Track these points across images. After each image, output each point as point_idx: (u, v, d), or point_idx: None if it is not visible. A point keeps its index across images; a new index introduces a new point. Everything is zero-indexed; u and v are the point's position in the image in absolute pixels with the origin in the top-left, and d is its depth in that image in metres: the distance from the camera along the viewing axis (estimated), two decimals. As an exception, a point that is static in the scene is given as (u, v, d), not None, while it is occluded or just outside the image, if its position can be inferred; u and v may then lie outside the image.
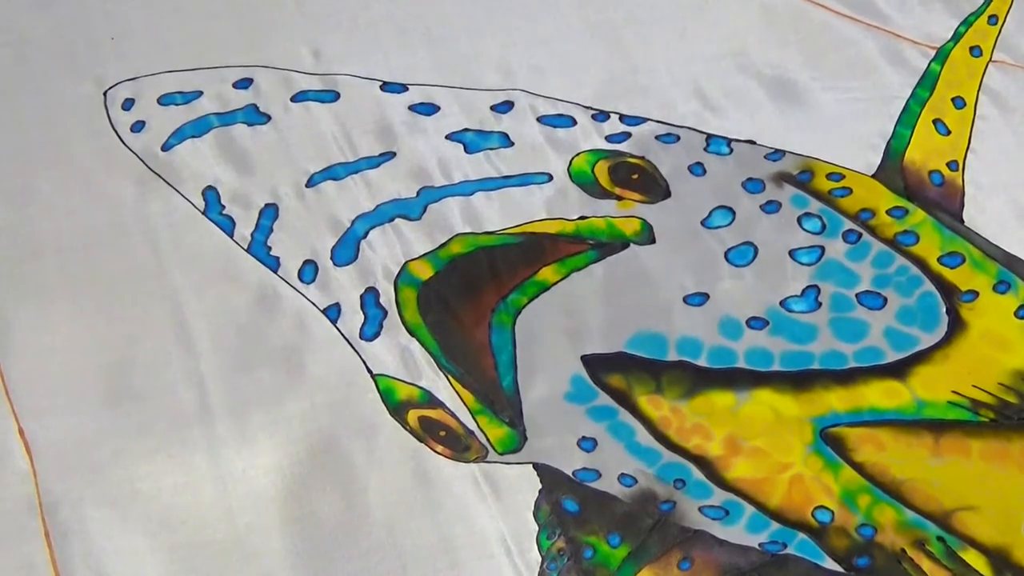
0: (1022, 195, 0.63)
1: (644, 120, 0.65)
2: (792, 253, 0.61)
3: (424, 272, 0.61)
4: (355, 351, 0.59)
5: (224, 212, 0.62)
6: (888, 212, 0.62)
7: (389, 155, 0.64)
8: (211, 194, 0.63)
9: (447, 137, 0.65)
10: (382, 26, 0.69)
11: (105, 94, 0.66)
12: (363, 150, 0.64)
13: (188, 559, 0.54)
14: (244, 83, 0.66)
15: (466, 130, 0.65)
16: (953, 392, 0.58)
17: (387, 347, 0.59)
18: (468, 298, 0.60)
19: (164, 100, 0.66)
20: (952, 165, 0.64)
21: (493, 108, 0.66)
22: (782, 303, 0.60)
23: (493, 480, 0.55)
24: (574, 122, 0.65)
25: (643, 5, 0.70)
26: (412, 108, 0.65)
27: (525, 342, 0.59)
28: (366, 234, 0.62)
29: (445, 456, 0.56)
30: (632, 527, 0.54)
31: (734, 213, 0.62)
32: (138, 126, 0.65)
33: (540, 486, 0.55)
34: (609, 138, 0.65)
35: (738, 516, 0.55)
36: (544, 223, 0.62)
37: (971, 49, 0.68)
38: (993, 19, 0.69)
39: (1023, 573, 0.54)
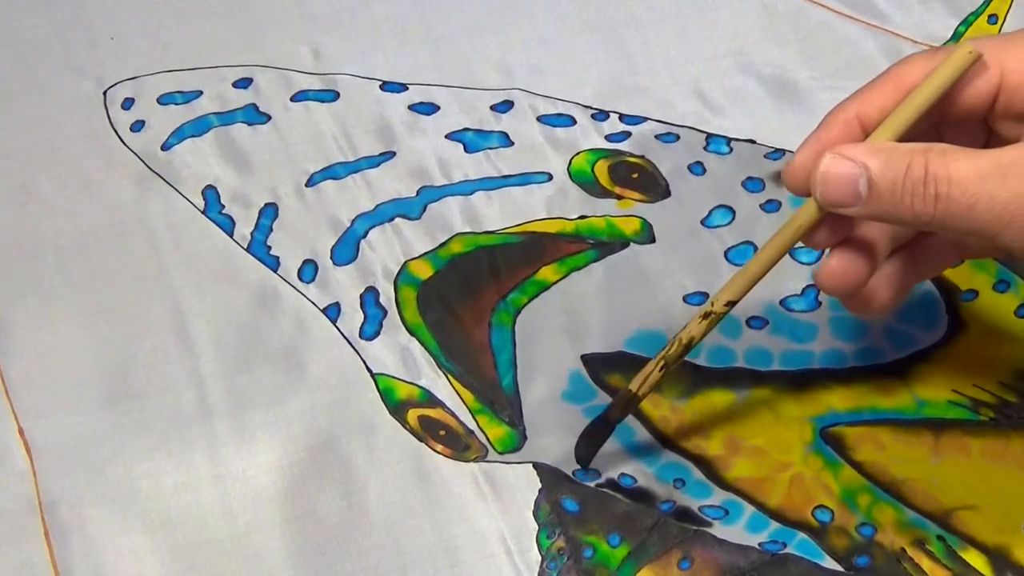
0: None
1: (644, 119, 0.65)
2: (792, 252, 0.61)
3: (424, 271, 0.61)
4: (355, 350, 0.59)
5: (224, 211, 0.63)
6: (888, 211, 0.61)
7: (389, 154, 0.64)
8: (211, 193, 0.63)
9: (447, 136, 0.65)
10: (382, 26, 0.69)
11: (105, 94, 0.66)
12: (363, 150, 0.64)
13: (188, 559, 0.54)
14: (244, 83, 0.66)
15: (466, 129, 0.65)
16: (953, 391, 0.58)
17: (387, 346, 0.59)
18: (468, 297, 0.60)
19: (164, 100, 0.66)
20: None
21: (493, 108, 0.66)
22: (782, 302, 0.60)
23: (493, 479, 0.55)
24: (574, 121, 0.65)
25: (643, 5, 0.70)
26: (412, 108, 0.66)
27: (525, 341, 0.59)
28: (366, 233, 0.62)
29: (445, 455, 0.56)
30: (632, 527, 0.54)
31: (734, 212, 0.63)
32: (138, 126, 0.65)
33: (540, 485, 0.55)
34: (609, 137, 0.65)
35: (738, 516, 0.55)
36: (544, 222, 0.62)
37: (971, 48, 0.68)
38: (993, 18, 0.69)
39: (1023, 572, 0.54)
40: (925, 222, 0.46)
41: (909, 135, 0.47)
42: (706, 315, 0.51)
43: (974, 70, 0.48)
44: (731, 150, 0.64)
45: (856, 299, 0.51)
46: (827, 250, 0.50)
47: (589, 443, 0.55)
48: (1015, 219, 0.44)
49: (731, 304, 0.51)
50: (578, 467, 0.56)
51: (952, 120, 0.49)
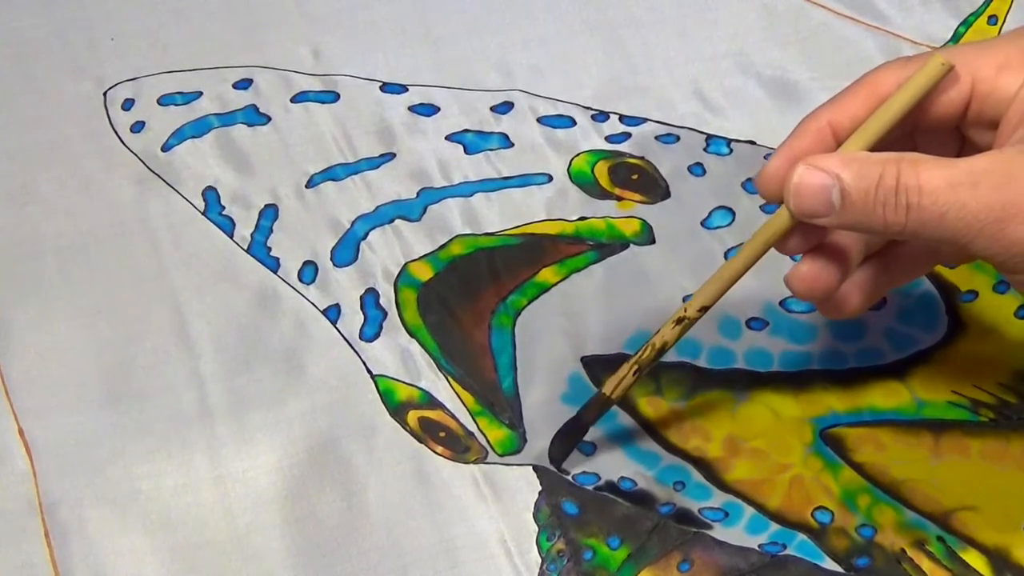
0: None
1: (644, 120, 0.65)
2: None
3: (424, 273, 0.61)
4: (355, 352, 0.59)
5: (224, 212, 0.63)
6: (888, 212, 0.61)
7: (389, 156, 0.64)
8: (211, 194, 0.63)
9: (447, 138, 0.65)
10: (382, 26, 0.69)
11: (105, 94, 0.66)
12: (363, 151, 0.64)
13: (188, 559, 0.54)
14: (244, 84, 0.66)
15: (466, 131, 0.65)
16: (953, 392, 0.58)
17: (387, 348, 0.59)
18: (468, 299, 0.60)
19: (164, 100, 0.66)
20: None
21: (493, 109, 0.66)
22: (782, 303, 0.60)
23: (493, 481, 0.55)
24: (574, 122, 0.65)
25: (643, 5, 0.70)
26: (412, 109, 0.66)
27: (525, 343, 0.59)
28: (366, 235, 0.62)
29: (445, 457, 0.56)
30: (632, 529, 0.54)
31: (734, 213, 0.63)
32: (138, 126, 0.65)
33: (540, 487, 0.55)
34: (609, 138, 0.65)
35: (738, 517, 0.55)
36: (544, 224, 0.62)
37: (971, 49, 0.68)
38: (993, 19, 0.69)
39: (1023, 573, 0.54)
40: (897, 232, 0.46)
41: (882, 144, 0.48)
42: (679, 320, 0.52)
43: (946, 79, 0.48)
44: (731, 151, 0.64)
45: (828, 303, 0.51)
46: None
47: (563, 444, 0.55)
48: (985, 228, 0.44)
49: (704, 309, 0.51)
50: (577, 470, 0.56)
51: (925, 128, 0.49)
